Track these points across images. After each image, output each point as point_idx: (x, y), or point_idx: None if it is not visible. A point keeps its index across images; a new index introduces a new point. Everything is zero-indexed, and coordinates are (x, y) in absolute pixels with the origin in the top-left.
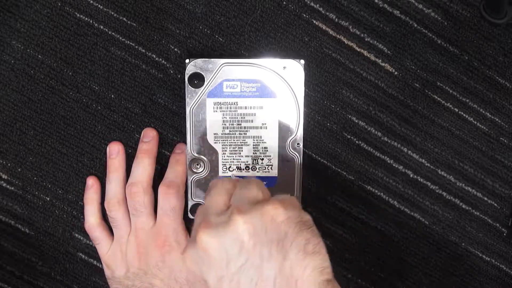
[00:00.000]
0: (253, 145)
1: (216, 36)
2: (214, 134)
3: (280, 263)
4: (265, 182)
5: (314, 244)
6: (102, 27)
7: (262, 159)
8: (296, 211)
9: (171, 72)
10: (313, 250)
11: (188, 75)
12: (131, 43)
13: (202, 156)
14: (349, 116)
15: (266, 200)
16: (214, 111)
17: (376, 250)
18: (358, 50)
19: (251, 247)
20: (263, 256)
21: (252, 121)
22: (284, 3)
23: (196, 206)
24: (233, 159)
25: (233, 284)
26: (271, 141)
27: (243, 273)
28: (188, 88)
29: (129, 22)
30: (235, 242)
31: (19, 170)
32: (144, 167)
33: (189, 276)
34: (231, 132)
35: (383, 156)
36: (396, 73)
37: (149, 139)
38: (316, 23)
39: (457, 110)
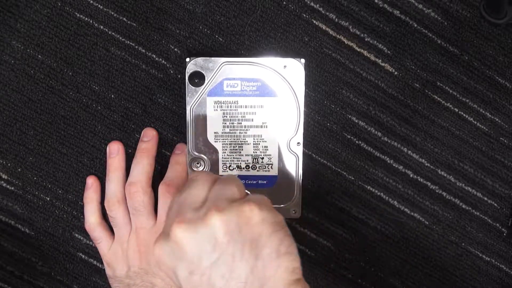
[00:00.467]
0: (253, 144)
1: (216, 36)
2: (215, 133)
3: (253, 262)
4: (265, 181)
5: (287, 245)
6: (102, 27)
7: (262, 158)
8: (271, 212)
9: (171, 72)
10: (286, 251)
11: (188, 74)
12: (131, 43)
13: (202, 155)
14: (349, 116)
15: (242, 199)
16: (214, 110)
17: (376, 250)
18: (358, 50)
19: (225, 245)
20: (235, 255)
21: (252, 120)
22: (284, 3)
23: None
24: (233, 158)
25: (204, 278)
26: (272, 140)
27: (215, 269)
28: (189, 87)
29: (129, 22)
30: (209, 239)
31: (19, 170)
32: (143, 166)
33: None
34: (232, 131)
35: (383, 156)
36: (396, 73)
37: (148, 138)
38: (316, 23)
39: (457, 110)
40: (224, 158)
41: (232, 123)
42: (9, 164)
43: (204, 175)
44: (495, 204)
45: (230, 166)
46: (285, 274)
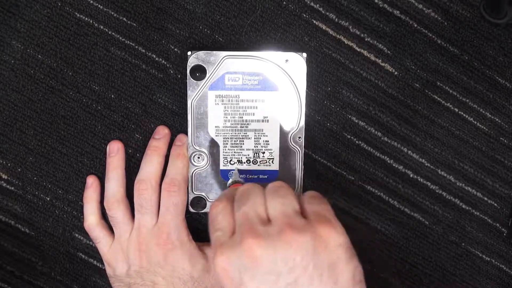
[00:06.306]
0: (255, 138)
1: (216, 36)
2: (216, 127)
3: (331, 287)
4: (266, 176)
5: (360, 272)
6: (102, 27)
7: (264, 153)
8: (344, 236)
9: (171, 72)
10: (360, 279)
11: (190, 68)
12: (131, 43)
13: (203, 149)
14: (349, 116)
15: (316, 219)
16: (215, 104)
17: (376, 250)
18: (358, 50)
19: (303, 267)
20: (314, 278)
21: (253, 114)
22: (284, 3)
23: (197, 199)
24: (234, 152)
25: None
26: (273, 134)
27: None
28: (190, 81)
29: (129, 22)
30: (287, 259)
31: (19, 170)
32: (153, 164)
33: (193, 273)
34: (233, 125)
35: (383, 156)
36: (396, 73)
37: (160, 136)
38: (316, 23)
39: (457, 110)
40: (225, 152)
41: (233, 117)
42: (9, 164)
43: (251, 185)
44: (495, 204)
45: (231, 160)
46: None
